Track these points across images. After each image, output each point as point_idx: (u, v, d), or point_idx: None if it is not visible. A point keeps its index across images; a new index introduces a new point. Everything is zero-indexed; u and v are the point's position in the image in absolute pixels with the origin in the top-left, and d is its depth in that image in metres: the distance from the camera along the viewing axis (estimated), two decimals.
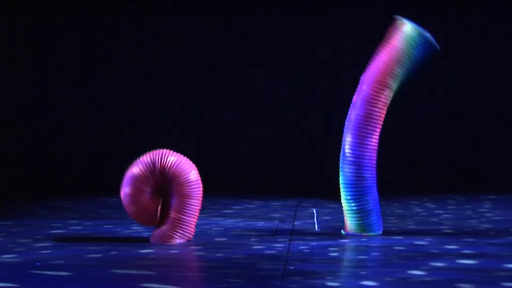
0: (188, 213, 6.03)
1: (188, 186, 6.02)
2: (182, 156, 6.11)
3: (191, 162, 6.13)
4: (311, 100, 10.60)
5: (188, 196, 6.02)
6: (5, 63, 10.57)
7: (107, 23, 10.58)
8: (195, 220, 6.10)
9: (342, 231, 6.41)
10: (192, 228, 6.09)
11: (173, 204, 6.01)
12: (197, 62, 10.61)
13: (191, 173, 6.06)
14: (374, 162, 6.22)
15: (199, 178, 6.11)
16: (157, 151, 6.07)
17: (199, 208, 6.10)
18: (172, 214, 6.01)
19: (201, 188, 6.11)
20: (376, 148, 6.21)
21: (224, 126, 10.58)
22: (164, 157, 6.01)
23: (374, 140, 6.20)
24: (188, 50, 10.62)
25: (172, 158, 6.03)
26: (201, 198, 6.11)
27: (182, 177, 6.01)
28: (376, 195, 6.25)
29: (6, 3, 10.36)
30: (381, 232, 6.30)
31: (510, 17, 10.48)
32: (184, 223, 6.02)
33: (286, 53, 10.60)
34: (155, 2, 10.64)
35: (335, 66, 10.52)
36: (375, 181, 6.24)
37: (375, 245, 5.88)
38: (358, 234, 6.25)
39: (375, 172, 6.23)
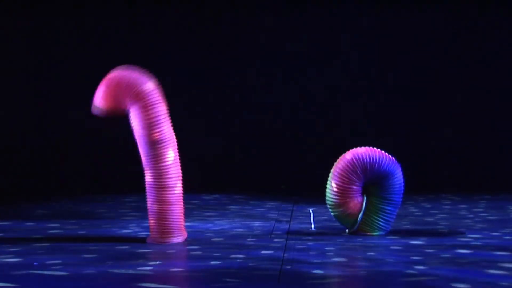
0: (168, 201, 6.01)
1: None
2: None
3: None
4: (310, 100, 10.63)
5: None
6: (4, 62, 10.58)
7: (108, 24, 10.59)
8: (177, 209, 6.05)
9: (347, 231, 6.46)
10: (176, 218, 6.05)
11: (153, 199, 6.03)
12: (196, 62, 10.62)
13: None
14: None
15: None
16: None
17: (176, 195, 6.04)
18: (154, 207, 6.04)
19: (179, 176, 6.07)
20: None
21: (221, 127, 10.60)
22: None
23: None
24: (186, 50, 10.64)
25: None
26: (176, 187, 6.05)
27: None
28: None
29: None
30: (385, 232, 6.37)
31: (510, 16, 10.53)
32: (167, 213, 6.01)
33: (284, 55, 10.62)
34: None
35: (331, 65, 10.57)
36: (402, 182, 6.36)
37: (371, 245, 5.93)
38: (362, 233, 6.32)
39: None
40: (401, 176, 6.41)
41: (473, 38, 10.49)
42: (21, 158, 10.51)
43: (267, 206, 8.69)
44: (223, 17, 10.64)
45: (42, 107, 10.61)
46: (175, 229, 6.03)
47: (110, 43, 10.63)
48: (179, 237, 6.06)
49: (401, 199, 6.41)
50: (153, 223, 6.02)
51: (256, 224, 7.14)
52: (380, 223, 6.33)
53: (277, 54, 10.62)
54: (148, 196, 6.03)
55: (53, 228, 6.95)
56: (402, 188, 6.40)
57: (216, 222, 7.33)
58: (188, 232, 6.54)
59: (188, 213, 7.90)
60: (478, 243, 5.95)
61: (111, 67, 10.50)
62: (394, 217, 6.43)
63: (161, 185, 5.96)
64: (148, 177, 6.01)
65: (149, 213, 6.04)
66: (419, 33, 10.52)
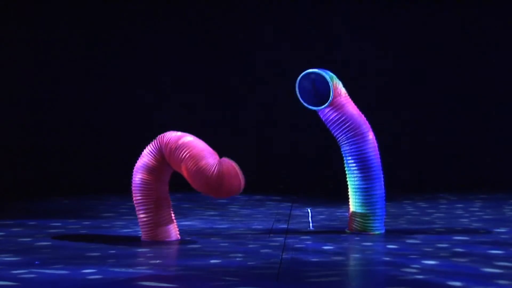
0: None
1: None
2: None
3: None
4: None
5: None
6: (6, 61, 10.61)
7: (108, 21, 10.61)
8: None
9: (347, 230, 6.49)
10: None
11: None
12: (196, 60, 10.65)
13: None
14: (378, 156, 6.37)
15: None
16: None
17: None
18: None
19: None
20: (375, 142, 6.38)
21: (220, 126, 10.63)
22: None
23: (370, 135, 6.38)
24: (185, 48, 10.67)
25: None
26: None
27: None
28: (383, 192, 6.38)
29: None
30: (383, 231, 6.40)
31: (510, 16, 10.57)
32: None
33: (284, 53, 10.65)
34: None
35: (331, 64, 10.59)
36: (382, 178, 6.37)
37: (369, 243, 5.97)
38: (363, 233, 6.35)
39: (381, 167, 6.37)
40: (383, 186, 6.40)
41: (471, 34, 10.52)
42: (23, 156, 10.53)
43: (266, 205, 8.73)
44: (222, 15, 10.66)
45: (43, 106, 10.64)
46: (168, 227, 6.11)
47: (111, 43, 10.66)
48: (172, 235, 6.13)
49: (384, 209, 6.42)
50: (145, 220, 6.12)
51: (255, 223, 7.18)
52: (373, 232, 6.37)
53: (278, 53, 10.64)
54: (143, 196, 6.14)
55: (55, 227, 6.99)
56: (384, 198, 6.41)
57: (216, 221, 7.37)
58: (188, 231, 6.61)
59: (188, 212, 7.96)
60: (474, 241, 6.01)
61: (112, 67, 10.59)
62: (384, 220, 6.46)
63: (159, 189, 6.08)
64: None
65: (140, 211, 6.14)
66: (420, 31, 10.55)
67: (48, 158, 10.54)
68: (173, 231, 6.12)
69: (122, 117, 10.62)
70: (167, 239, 6.06)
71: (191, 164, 5.77)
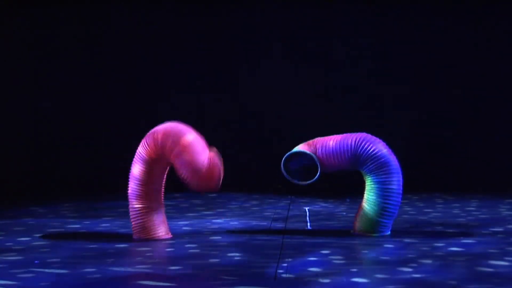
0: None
1: None
2: None
3: None
4: (308, 99, 10.68)
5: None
6: (5, 61, 10.61)
7: (108, 18, 10.61)
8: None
9: (351, 231, 6.49)
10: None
11: None
12: (195, 59, 10.65)
13: None
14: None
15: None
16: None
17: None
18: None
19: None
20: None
21: (219, 125, 10.64)
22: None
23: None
24: (185, 47, 10.67)
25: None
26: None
27: None
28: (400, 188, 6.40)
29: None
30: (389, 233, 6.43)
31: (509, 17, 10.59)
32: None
33: (283, 50, 10.65)
34: None
35: (329, 63, 10.62)
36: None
37: (366, 243, 6.01)
38: (368, 235, 6.32)
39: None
40: (401, 178, 6.44)
41: (473, 37, 10.55)
42: (21, 155, 10.53)
43: (264, 205, 8.75)
44: (223, 14, 10.67)
45: (41, 106, 10.65)
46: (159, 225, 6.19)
47: (111, 42, 10.66)
48: (163, 233, 6.20)
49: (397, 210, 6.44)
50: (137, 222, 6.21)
51: (253, 223, 7.22)
52: (381, 225, 6.37)
53: (278, 53, 10.64)
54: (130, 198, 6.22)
55: (54, 227, 7.02)
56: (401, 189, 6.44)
57: (214, 220, 7.40)
58: (187, 230, 6.64)
59: (187, 212, 8.00)
60: (470, 241, 6.05)
61: (112, 66, 10.58)
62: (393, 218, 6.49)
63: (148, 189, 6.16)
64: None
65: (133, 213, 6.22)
66: (421, 31, 10.56)
67: (48, 157, 10.53)
68: (164, 228, 6.22)
69: (121, 115, 10.60)
70: (157, 236, 6.13)
71: (188, 157, 6.00)
